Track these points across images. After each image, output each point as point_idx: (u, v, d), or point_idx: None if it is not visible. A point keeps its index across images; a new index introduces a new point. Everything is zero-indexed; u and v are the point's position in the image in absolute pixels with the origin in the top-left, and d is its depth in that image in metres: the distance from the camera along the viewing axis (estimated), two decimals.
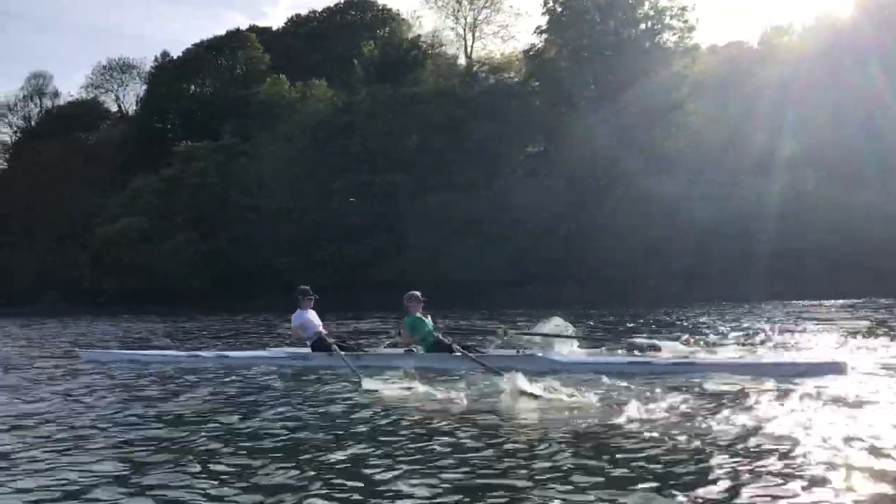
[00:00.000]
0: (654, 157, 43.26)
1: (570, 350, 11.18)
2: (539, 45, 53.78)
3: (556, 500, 4.42)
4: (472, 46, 58.44)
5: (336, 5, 77.57)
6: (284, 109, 57.22)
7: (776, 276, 35.48)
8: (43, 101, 73.46)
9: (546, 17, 53.65)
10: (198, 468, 5.30)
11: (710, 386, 8.25)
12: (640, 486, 4.62)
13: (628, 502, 4.35)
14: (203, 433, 6.54)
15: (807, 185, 39.55)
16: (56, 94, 73.96)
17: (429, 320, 11.39)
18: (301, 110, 56.76)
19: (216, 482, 4.96)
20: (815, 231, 36.71)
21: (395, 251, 44.18)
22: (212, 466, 5.36)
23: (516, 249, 41.88)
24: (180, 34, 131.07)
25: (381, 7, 76.59)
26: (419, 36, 60.59)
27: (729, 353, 11.14)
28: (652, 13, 50.95)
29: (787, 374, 8.79)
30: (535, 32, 55.10)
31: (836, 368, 8.84)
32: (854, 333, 14.14)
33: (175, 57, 69.85)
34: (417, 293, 11.33)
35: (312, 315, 11.83)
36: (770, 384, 8.18)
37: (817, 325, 17.33)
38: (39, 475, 5.26)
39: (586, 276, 40.17)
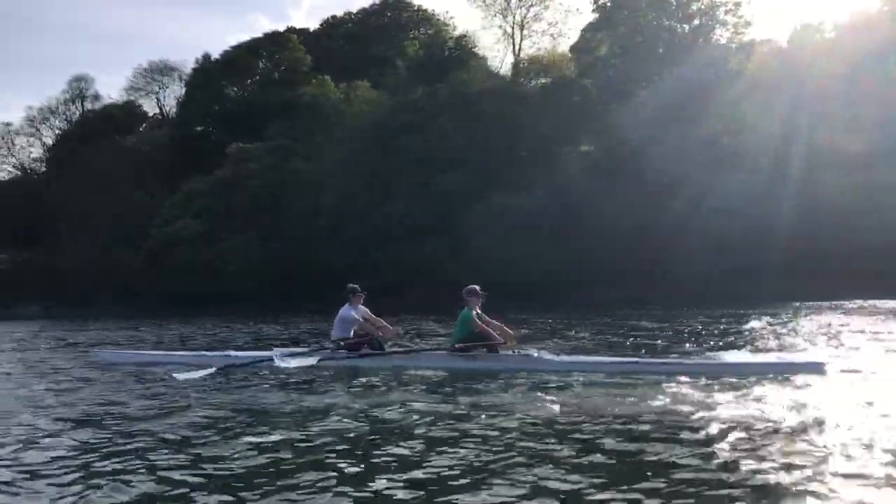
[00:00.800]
0: (716, 154, 42.86)
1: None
2: (591, 43, 53.61)
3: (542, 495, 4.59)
4: (520, 45, 58.28)
5: (372, 6, 77.45)
6: (330, 110, 57.09)
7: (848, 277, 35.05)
8: (84, 104, 73.39)
9: (596, 14, 53.72)
10: (185, 468, 5.46)
11: (694, 385, 8.53)
12: (624, 484, 4.74)
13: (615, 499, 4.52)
14: (200, 435, 6.62)
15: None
16: (97, 97, 73.95)
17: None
18: (347, 111, 56.61)
19: (199, 481, 5.10)
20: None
21: (455, 252, 43.64)
22: (204, 467, 5.47)
23: (579, 249, 41.35)
24: (202, 39, 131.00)
25: (416, 7, 76.30)
26: (464, 35, 60.19)
27: (720, 353, 11.44)
28: (705, 8, 50.57)
29: (768, 372, 9.24)
30: (585, 29, 55.00)
31: (816, 368, 9.28)
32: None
33: (215, 59, 69.83)
34: (476, 287, 11.39)
35: (359, 313, 12.05)
36: (750, 383, 8.54)
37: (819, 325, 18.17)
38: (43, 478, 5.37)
39: (652, 276, 39.69)
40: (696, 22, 50.82)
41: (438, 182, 44.96)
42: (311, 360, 11.40)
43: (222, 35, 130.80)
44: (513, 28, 58.35)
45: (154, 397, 8.99)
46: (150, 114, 73.23)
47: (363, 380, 9.96)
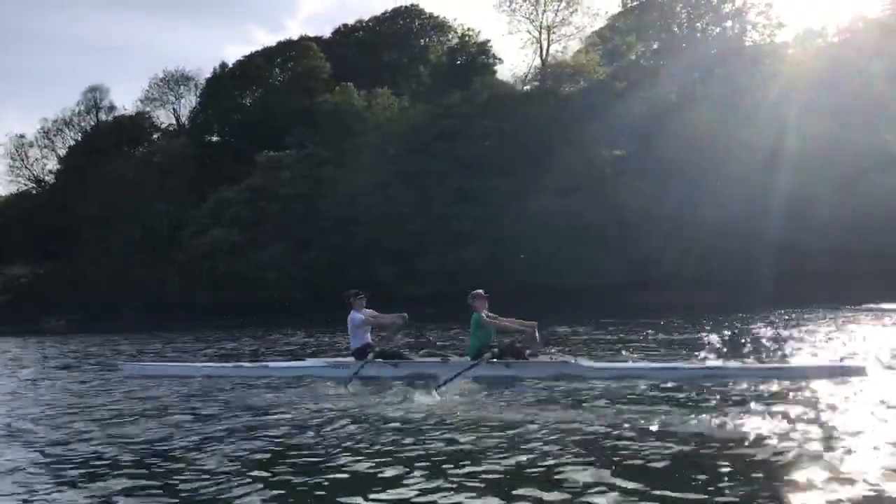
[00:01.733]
0: (760, 156, 42.06)
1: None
2: (620, 46, 52.87)
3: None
4: (547, 49, 57.44)
5: (384, 14, 76.73)
6: (353, 118, 56.12)
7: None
8: (99, 115, 72.01)
9: (625, 17, 52.97)
10: (213, 477, 5.64)
11: (737, 390, 8.57)
12: (663, 489, 4.78)
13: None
14: (227, 445, 6.81)
15: None
16: (112, 108, 72.54)
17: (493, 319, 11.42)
18: (371, 118, 55.67)
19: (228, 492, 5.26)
20: None
21: (498, 258, 42.64)
22: (229, 478, 5.63)
23: (627, 253, 40.52)
24: (197, 52, 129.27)
25: (428, 15, 75.46)
26: (488, 41, 59.40)
27: (756, 358, 11.66)
28: (736, 11, 49.82)
29: (813, 376, 9.18)
30: (613, 32, 54.13)
31: (858, 371, 9.31)
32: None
33: (231, 66, 68.85)
34: (480, 291, 11.40)
35: (365, 314, 12.16)
36: (796, 386, 8.56)
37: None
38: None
39: (704, 280, 38.70)
40: (728, 23, 50.19)
41: (478, 187, 43.88)
42: (345, 373, 11.44)
43: (219, 47, 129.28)
44: (539, 32, 57.70)
45: (171, 406, 9.36)
46: (166, 124, 71.97)
47: (397, 391, 10.02)
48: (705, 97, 44.91)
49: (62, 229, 60.63)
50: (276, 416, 8.34)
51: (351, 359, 12.17)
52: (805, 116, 42.27)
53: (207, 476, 5.70)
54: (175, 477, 5.73)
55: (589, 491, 4.84)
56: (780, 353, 12.80)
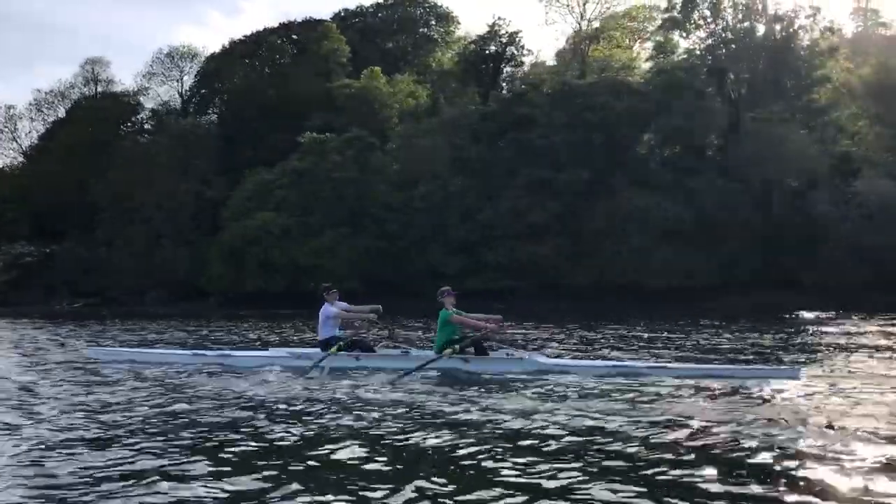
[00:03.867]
0: (834, 160, 41.01)
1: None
2: (668, 45, 51.43)
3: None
4: (589, 47, 55.36)
5: (385, 0, 73.98)
6: (380, 102, 53.55)
7: None
8: (98, 87, 67.10)
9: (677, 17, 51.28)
10: (172, 468, 5.37)
11: (677, 388, 8.81)
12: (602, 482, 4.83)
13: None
14: (185, 434, 6.62)
15: None
16: (111, 82, 67.71)
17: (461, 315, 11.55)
18: (399, 103, 53.27)
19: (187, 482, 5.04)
20: None
21: (577, 254, 40.45)
22: (185, 467, 5.41)
23: (714, 252, 38.66)
24: (148, 33, 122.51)
25: (431, 4, 72.90)
26: (518, 31, 57.27)
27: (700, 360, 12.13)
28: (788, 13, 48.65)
29: (747, 377, 9.57)
30: (662, 31, 52.45)
31: (792, 374, 9.71)
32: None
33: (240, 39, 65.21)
34: (448, 287, 11.59)
35: (338, 307, 12.13)
36: (732, 387, 8.81)
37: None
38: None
39: (791, 281, 37.30)
40: (778, 27, 49.02)
41: (553, 179, 41.23)
42: (307, 363, 11.43)
43: (169, 27, 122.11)
44: (579, 24, 55.85)
45: (142, 394, 9.09)
46: (166, 101, 67.37)
47: (358, 381, 10.00)
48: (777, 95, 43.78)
49: (68, 206, 56.37)
50: (226, 403, 8.30)
51: (316, 350, 12.14)
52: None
53: (136, 462, 5.61)
54: (105, 460, 5.66)
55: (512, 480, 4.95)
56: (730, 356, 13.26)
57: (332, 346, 11.70)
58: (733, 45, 48.01)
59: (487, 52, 57.17)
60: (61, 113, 67.16)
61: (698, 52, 48.78)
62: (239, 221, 44.92)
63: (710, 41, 48.44)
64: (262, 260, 43.29)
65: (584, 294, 38.23)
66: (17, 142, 68.22)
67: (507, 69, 57.60)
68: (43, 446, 6.21)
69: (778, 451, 5.58)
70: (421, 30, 72.29)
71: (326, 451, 5.89)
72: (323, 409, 7.91)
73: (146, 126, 63.38)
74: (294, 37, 65.17)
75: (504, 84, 56.05)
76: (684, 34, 50.13)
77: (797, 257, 37.83)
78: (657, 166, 41.64)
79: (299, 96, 57.26)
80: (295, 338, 19.76)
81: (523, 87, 47.15)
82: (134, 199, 51.13)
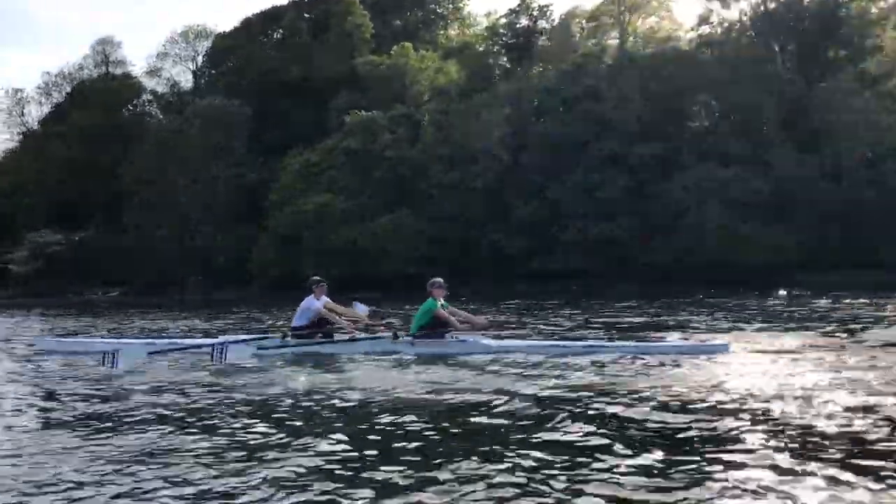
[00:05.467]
0: None
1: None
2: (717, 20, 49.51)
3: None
4: (628, 21, 53.36)
5: None
6: (411, 78, 51.43)
7: None
8: (109, 69, 64.01)
9: None
10: (131, 462, 4.99)
11: (611, 365, 8.87)
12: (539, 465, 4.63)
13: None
14: (135, 425, 6.23)
15: None
16: (122, 63, 64.67)
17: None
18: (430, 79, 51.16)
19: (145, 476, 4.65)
20: None
21: (652, 230, 38.57)
22: (144, 459, 5.06)
23: (798, 229, 36.82)
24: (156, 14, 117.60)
25: None
26: (548, 4, 55.32)
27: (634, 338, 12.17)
28: None
29: (680, 352, 9.63)
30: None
31: (722, 349, 9.76)
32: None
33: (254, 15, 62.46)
34: (440, 279, 11.41)
35: (321, 303, 11.71)
36: (665, 362, 8.89)
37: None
38: None
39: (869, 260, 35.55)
40: None
41: (626, 154, 39.09)
42: (250, 349, 11.00)
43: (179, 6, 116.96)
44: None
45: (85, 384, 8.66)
46: (177, 82, 64.52)
47: (309, 367, 9.77)
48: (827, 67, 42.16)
49: (90, 192, 53.74)
50: (187, 390, 7.94)
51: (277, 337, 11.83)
52: None
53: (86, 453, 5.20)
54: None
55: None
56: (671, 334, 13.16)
57: (302, 336, 11.46)
58: (779, 15, 46.41)
59: (518, 25, 55.51)
60: (70, 96, 64.02)
61: (745, 22, 47.08)
62: (289, 205, 42.54)
63: (754, 10, 46.62)
64: (319, 244, 41.00)
65: (660, 273, 36.50)
66: (26, 126, 65.06)
67: (540, 42, 55.80)
68: None
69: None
70: (430, 5, 69.90)
71: (260, 440, 5.52)
72: (261, 396, 7.47)
73: (164, 107, 60.65)
74: (306, 14, 62.27)
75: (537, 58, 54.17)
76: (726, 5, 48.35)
77: (876, 234, 36.18)
78: (727, 139, 39.67)
79: (323, 74, 55.00)
80: None
81: (581, 58, 44.70)
82: (165, 184, 48.51)
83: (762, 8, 46.55)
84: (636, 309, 20.68)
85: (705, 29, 48.78)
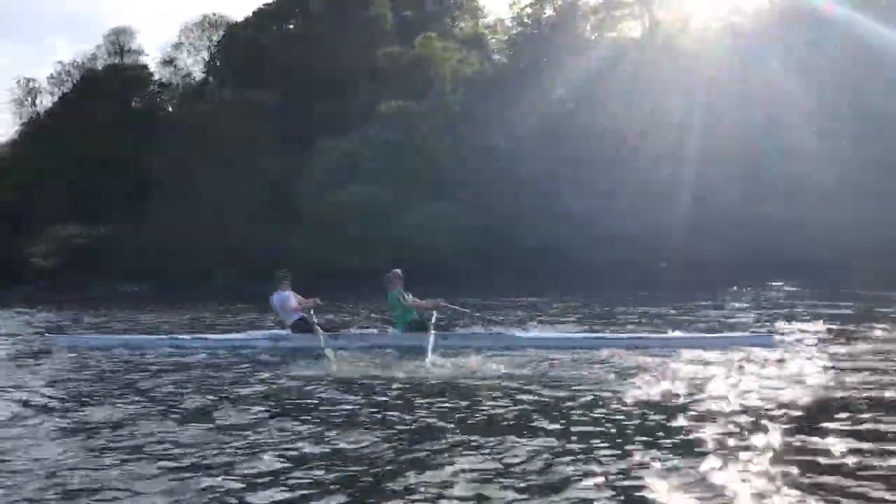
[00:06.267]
0: None
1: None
2: None
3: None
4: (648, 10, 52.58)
5: None
6: (435, 71, 50.58)
7: None
8: (124, 58, 62.64)
9: None
10: (160, 457, 5.28)
11: (657, 359, 8.93)
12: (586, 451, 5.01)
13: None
14: (170, 419, 6.53)
15: None
16: (139, 52, 63.33)
17: (410, 298, 11.92)
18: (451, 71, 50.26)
19: (178, 470, 4.93)
20: None
21: (709, 222, 37.61)
22: (176, 453, 5.38)
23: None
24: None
25: None
26: None
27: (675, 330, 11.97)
28: None
29: (725, 345, 9.84)
30: None
31: (767, 341, 10.05)
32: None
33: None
34: (397, 271, 12.00)
35: (291, 296, 12.21)
36: (710, 356, 9.01)
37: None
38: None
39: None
40: None
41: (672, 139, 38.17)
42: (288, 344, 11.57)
43: None
44: None
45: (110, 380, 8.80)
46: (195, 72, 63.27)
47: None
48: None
49: (112, 183, 52.49)
50: (207, 389, 8.09)
51: (288, 331, 12.09)
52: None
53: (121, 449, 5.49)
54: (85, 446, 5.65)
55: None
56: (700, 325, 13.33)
57: (306, 327, 11.74)
58: None
59: (545, 13, 54.74)
60: (82, 85, 62.65)
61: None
62: (325, 196, 41.52)
63: None
64: (359, 236, 40.02)
65: (719, 264, 35.62)
66: (38, 116, 63.61)
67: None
68: None
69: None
70: None
71: (293, 434, 5.91)
72: (299, 391, 7.99)
73: (181, 97, 59.48)
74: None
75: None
76: None
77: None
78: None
79: (343, 65, 54.25)
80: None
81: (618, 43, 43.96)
82: (194, 175, 47.33)
83: None
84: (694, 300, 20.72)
85: None
